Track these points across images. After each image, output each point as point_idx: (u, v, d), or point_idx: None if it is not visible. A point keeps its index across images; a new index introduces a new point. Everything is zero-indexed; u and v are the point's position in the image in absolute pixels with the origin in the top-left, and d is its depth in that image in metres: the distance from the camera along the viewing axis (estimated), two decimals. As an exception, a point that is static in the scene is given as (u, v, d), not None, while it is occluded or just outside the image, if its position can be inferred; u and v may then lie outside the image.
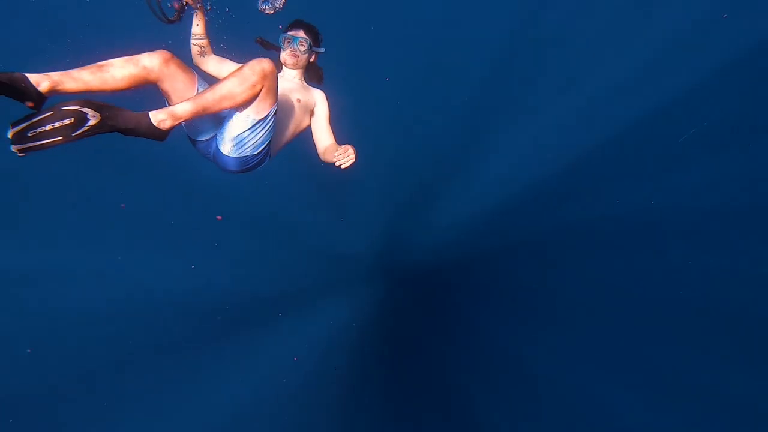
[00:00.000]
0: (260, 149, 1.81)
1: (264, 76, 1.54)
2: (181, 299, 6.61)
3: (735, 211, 5.35)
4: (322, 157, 2.12)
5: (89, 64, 1.42)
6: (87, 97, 1.22)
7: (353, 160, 1.71)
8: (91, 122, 1.18)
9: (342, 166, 1.71)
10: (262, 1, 2.25)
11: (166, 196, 6.20)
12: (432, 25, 5.83)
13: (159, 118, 1.35)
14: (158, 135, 1.36)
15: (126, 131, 1.30)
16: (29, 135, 1.12)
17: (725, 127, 5.35)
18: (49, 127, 1.14)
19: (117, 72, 1.43)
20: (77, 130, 1.16)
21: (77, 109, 1.16)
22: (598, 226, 6.62)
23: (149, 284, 6.43)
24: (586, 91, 6.20)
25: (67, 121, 1.15)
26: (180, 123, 1.42)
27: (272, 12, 2.26)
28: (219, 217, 6.85)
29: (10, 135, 1.12)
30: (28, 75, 1.25)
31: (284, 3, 2.26)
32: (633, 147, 6.16)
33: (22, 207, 5.41)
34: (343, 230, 8.54)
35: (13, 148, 1.13)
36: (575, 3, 5.38)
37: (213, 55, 2.09)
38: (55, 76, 1.31)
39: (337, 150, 1.75)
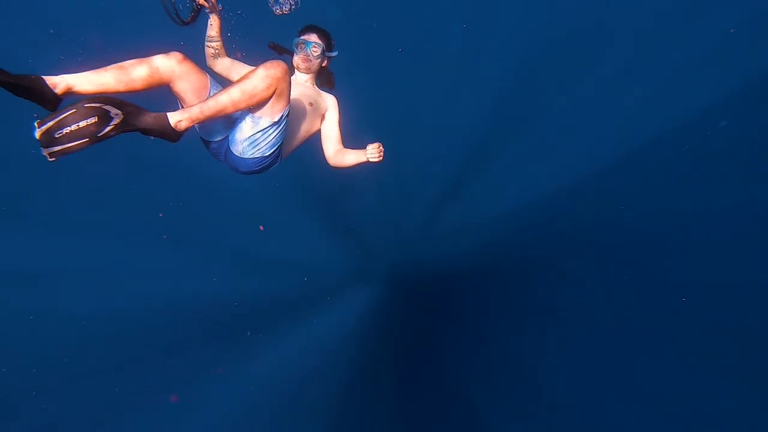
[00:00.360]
0: (271, 151, 1.81)
1: (278, 79, 1.54)
2: (182, 302, 6.61)
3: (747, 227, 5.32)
4: (331, 160, 2.13)
5: (103, 66, 1.42)
6: (108, 96, 1.22)
7: (382, 158, 1.85)
8: (115, 121, 1.17)
9: (371, 161, 1.87)
10: (273, 1, 2.24)
11: (176, 198, 6.21)
12: (449, 30, 5.78)
13: (176, 119, 1.35)
14: (173, 136, 1.36)
15: (145, 131, 1.29)
16: (56, 136, 1.10)
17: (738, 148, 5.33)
18: (74, 127, 1.11)
19: (131, 74, 1.44)
20: (102, 130, 1.15)
21: (100, 107, 1.14)
22: (604, 237, 6.60)
23: (156, 286, 6.43)
24: (606, 105, 6.17)
25: (90, 120, 1.13)
26: (194, 124, 1.42)
27: (286, 12, 2.25)
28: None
29: (37, 135, 1.09)
30: (44, 77, 1.26)
31: (295, 4, 2.26)
32: (652, 162, 6.11)
33: (28, 206, 5.43)
34: (351, 237, 8.53)
35: (44, 152, 1.10)
36: (604, 15, 5.31)
37: (226, 58, 2.09)
38: (70, 78, 1.32)
39: (357, 150, 1.89)
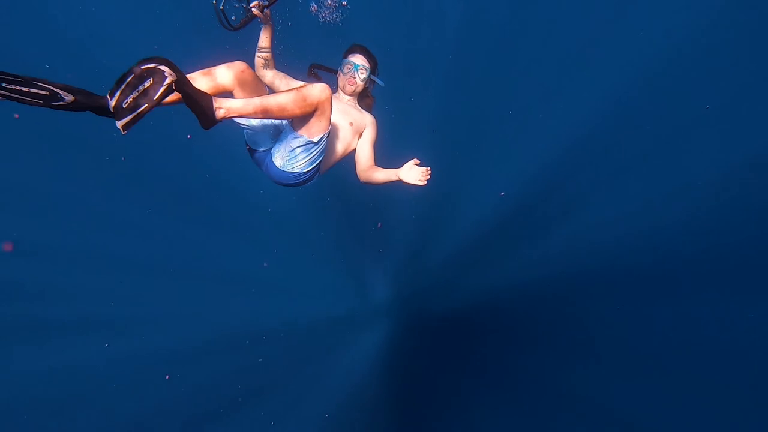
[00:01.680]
0: (310, 168, 1.87)
1: (319, 101, 1.60)
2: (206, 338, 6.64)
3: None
4: (362, 175, 2.17)
5: None
6: (161, 57, 1.27)
7: (426, 183, 1.90)
8: (168, 80, 1.21)
9: (415, 183, 1.90)
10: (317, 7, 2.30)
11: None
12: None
13: (217, 104, 1.40)
14: (209, 120, 1.40)
15: (190, 101, 1.34)
16: (124, 106, 1.17)
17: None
18: (135, 93, 1.17)
19: (198, 84, 1.53)
20: (158, 91, 1.20)
21: (154, 67, 1.19)
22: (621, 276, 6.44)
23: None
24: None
25: (147, 83, 1.18)
26: (231, 117, 1.46)
27: (329, 19, 2.30)
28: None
29: (111, 107, 1.15)
30: None
31: (337, 8, 2.30)
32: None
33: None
34: (374, 266, 8.42)
35: (117, 125, 1.16)
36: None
37: (275, 70, 2.12)
38: None
39: (390, 168, 1.98)
